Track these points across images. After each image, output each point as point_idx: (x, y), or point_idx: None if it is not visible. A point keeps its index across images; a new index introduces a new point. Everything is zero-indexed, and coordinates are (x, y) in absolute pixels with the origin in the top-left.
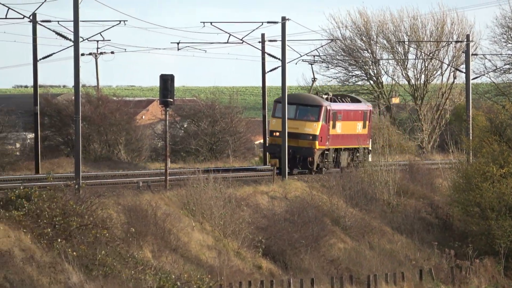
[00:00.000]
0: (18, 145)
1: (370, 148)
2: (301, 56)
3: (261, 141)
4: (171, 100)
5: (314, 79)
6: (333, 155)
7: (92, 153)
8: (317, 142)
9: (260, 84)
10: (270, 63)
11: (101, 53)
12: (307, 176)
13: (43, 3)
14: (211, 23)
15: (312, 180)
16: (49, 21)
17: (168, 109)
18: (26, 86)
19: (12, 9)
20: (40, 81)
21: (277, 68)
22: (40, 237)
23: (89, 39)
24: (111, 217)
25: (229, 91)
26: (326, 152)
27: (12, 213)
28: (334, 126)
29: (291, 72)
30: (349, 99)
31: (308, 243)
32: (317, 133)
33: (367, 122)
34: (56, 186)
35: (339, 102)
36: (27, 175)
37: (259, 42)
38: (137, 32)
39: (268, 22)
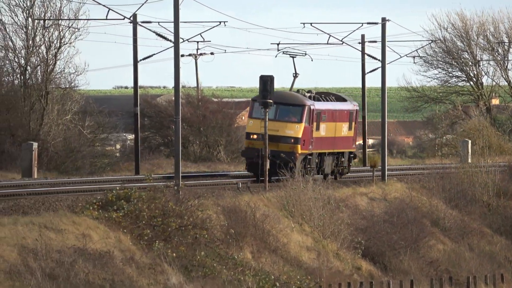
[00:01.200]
0: (118, 146)
1: (355, 153)
2: (401, 57)
3: (361, 142)
4: (271, 101)
5: (296, 75)
6: (316, 161)
7: (192, 154)
8: (299, 146)
9: (360, 85)
10: (370, 64)
11: (201, 54)
12: (406, 177)
13: (143, 4)
14: (311, 24)
15: (411, 181)
16: (150, 22)
17: (267, 110)
18: (126, 87)
19: (112, 10)
20: (140, 82)
21: (377, 69)
22: (140, 238)
23: (189, 40)
24: (211, 218)
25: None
26: (309, 157)
27: (111, 214)
28: (318, 128)
29: (390, 73)
30: (333, 98)
31: (407, 244)
32: (300, 135)
33: (353, 123)
34: (156, 187)
35: (323, 101)
36: (127, 176)
37: (359, 43)
38: (237, 33)
39: (368, 23)
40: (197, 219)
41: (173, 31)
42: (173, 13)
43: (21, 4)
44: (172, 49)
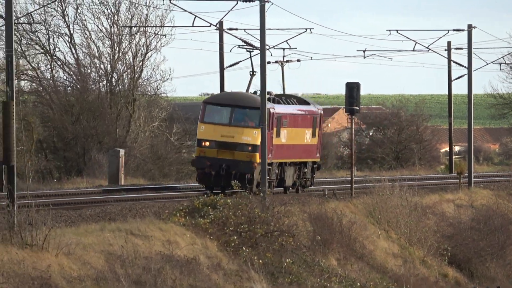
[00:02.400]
0: None
1: (319, 163)
2: (487, 64)
3: (447, 149)
4: (357, 108)
5: (252, 73)
6: (277, 171)
7: None
8: (257, 155)
9: (446, 92)
10: (456, 71)
11: (287, 61)
12: (493, 184)
13: (229, 11)
14: (397, 31)
15: (498, 188)
16: (236, 29)
17: (354, 117)
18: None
19: (199, 17)
20: (226, 89)
21: (463, 76)
22: (226, 245)
23: (275, 47)
24: (297, 225)
25: (414, 99)
26: (268, 167)
27: (198, 220)
28: (278, 134)
29: (477, 80)
30: (295, 100)
31: (494, 252)
32: (258, 142)
33: (317, 129)
34: (242, 194)
35: (284, 103)
36: None
37: (445, 50)
38: (323, 39)
39: (454, 30)
40: (283, 225)
41: (259, 38)
42: (259, 20)
43: (105, 11)
44: (259, 56)
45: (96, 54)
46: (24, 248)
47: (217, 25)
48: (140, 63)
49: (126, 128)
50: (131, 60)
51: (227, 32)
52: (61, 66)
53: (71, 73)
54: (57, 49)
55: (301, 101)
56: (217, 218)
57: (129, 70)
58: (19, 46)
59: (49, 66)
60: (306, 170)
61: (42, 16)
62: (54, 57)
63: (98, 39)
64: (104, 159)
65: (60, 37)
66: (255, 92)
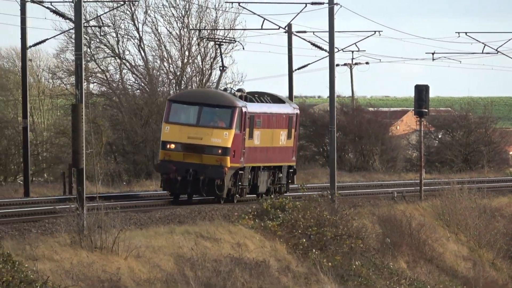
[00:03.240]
0: None
1: (295, 167)
2: None
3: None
4: (426, 110)
5: (223, 68)
6: (249, 176)
7: (347, 163)
8: (228, 158)
9: None
10: None
11: (356, 63)
12: None
13: (298, 13)
14: (466, 33)
15: None
16: (304, 31)
17: (422, 119)
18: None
19: (268, 20)
20: (295, 92)
21: None
22: (295, 247)
23: (344, 50)
24: (366, 228)
25: (483, 101)
26: (240, 171)
27: (267, 223)
28: (251, 136)
29: None
30: (269, 98)
31: None
32: (229, 145)
33: (293, 130)
34: (311, 197)
35: (257, 102)
36: None
37: None
38: (392, 42)
39: None
40: (352, 228)
41: (328, 41)
42: (328, 22)
43: (175, 14)
44: (327, 58)
45: (166, 57)
46: (94, 250)
47: (286, 28)
48: (209, 66)
49: None
50: (200, 63)
51: (295, 35)
52: (130, 68)
53: (140, 75)
54: (126, 52)
55: (275, 99)
56: (286, 220)
57: (198, 73)
58: (89, 49)
59: (118, 69)
60: (281, 175)
61: (111, 19)
62: (123, 60)
63: (167, 42)
64: None
65: (129, 40)
66: (225, 89)
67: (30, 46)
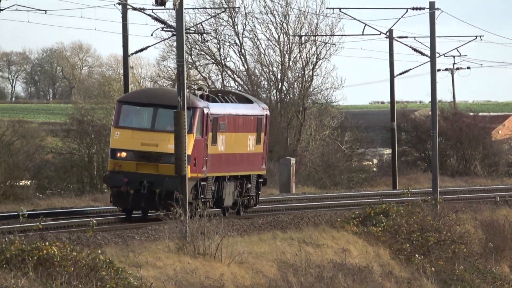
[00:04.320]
0: (375, 161)
1: (265, 176)
2: None
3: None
4: None
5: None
6: (213, 188)
7: (449, 168)
8: (188, 168)
9: None
10: None
11: (457, 68)
12: None
13: (399, 19)
14: None
15: None
16: (406, 37)
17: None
18: (382, 102)
19: (369, 26)
20: (396, 97)
21: None
22: (398, 253)
23: (445, 55)
24: (469, 232)
25: None
26: (202, 183)
27: (370, 228)
28: (214, 141)
29: None
30: (234, 98)
31: None
32: (189, 152)
33: (263, 134)
34: (414, 202)
35: (221, 102)
36: (385, 191)
37: None
38: (493, 47)
39: None
40: (455, 233)
41: (429, 46)
42: (429, 28)
43: (275, 20)
44: (429, 64)
45: (267, 63)
46: (197, 257)
47: (387, 33)
48: (310, 72)
49: (297, 137)
50: (301, 69)
51: (397, 40)
52: (232, 75)
53: (242, 82)
54: (227, 59)
55: (242, 98)
56: (389, 226)
57: (299, 79)
58: (190, 56)
59: (219, 76)
60: (249, 185)
61: (212, 26)
62: (224, 66)
63: (268, 48)
64: (275, 168)
65: (230, 46)
66: None
67: (132, 54)
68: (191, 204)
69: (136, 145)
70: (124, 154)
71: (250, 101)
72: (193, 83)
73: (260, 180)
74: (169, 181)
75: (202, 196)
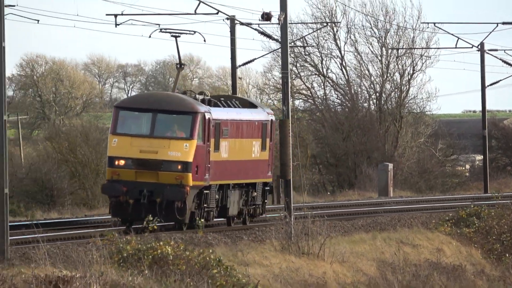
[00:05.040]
0: (467, 167)
1: (271, 184)
2: None
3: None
4: None
5: (180, 66)
6: (217, 197)
7: None
8: (190, 175)
9: None
10: None
11: None
12: None
13: (490, 33)
14: None
15: None
16: (496, 50)
17: None
18: (474, 111)
19: (461, 39)
20: (488, 106)
21: None
22: (490, 252)
23: None
24: None
25: None
26: (205, 191)
27: (463, 230)
28: (217, 148)
29: None
30: (238, 103)
31: None
32: (190, 159)
33: (267, 140)
34: (504, 205)
35: (223, 106)
36: (476, 194)
37: None
38: None
39: None
40: None
41: None
42: None
43: (376, 34)
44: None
45: (366, 75)
46: (301, 256)
47: (479, 47)
48: (407, 83)
49: (394, 144)
50: (398, 80)
51: (487, 53)
52: (333, 85)
53: (342, 92)
54: (329, 70)
55: (245, 103)
56: (481, 227)
57: (396, 90)
58: (294, 68)
59: (321, 86)
60: (255, 194)
61: (315, 39)
62: (326, 77)
63: (368, 61)
64: (373, 173)
65: (332, 59)
66: (184, 93)
67: (239, 65)
68: (193, 214)
69: (134, 153)
70: (122, 162)
71: (254, 106)
72: (296, 93)
73: (266, 188)
74: (169, 190)
75: (205, 205)
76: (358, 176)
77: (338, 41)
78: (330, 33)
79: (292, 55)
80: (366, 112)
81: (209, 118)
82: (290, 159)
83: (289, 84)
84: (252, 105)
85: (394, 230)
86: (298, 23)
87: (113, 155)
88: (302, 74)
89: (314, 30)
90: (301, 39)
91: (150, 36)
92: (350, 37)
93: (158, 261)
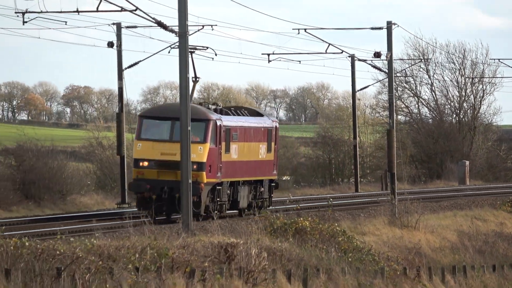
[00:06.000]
0: None
1: (277, 181)
2: None
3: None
4: None
5: (195, 79)
6: (228, 192)
7: None
8: (204, 174)
9: None
10: None
11: None
12: None
13: None
14: None
15: None
16: None
17: None
18: None
19: None
20: None
21: None
22: None
23: None
24: None
25: None
26: (218, 187)
27: None
28: (228, 150)
29: None
30: (246, 112)
31: None
32: (204, 160)
33: (273, 143)
34: None
35: (233, 115)
36: None
37: None
38: None
39: None
40: None
41: None
42: None
43: (456, 67)
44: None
45: (449, 97)
46: (402, 228)
47: None
48: (479, 103)
49: (469, 146)
50: (473, 100)
51: None
52: (425, 104)
53: (432, 109)
54: (422, 93)
55: (253, 112)
56: None
57: (471, 108)
58: (397, 91)
59: (417, 105)
60: (262, 189)
61: (411, 72)
62: (420, 98)
63: (450, 86)
64: (455, 168)
65: (424, 85)
66: (200, 104)
67: (358, 90)
68: (208, 207)
69: (156, 155)
70: (146, 163)
71: (261, 115)
72: (398, 110)
73: (272, 184)
74: None
75: (218, 199)
76: (443, 170)
77: (428, 72)
78: (423, 66)
79: (395, 83)
80: (450, 123)
81: (220, 124)
82: (394, 158)
83: (394, 104)
84: (258, 114)
85: (470, 209)
86: (400, 59)
87: (138, 157)
88: (402, 96)
89: (411, 65)
90: (402, 71)
91: (288, 68)
92: (437, 68)
93: (299, 231)
